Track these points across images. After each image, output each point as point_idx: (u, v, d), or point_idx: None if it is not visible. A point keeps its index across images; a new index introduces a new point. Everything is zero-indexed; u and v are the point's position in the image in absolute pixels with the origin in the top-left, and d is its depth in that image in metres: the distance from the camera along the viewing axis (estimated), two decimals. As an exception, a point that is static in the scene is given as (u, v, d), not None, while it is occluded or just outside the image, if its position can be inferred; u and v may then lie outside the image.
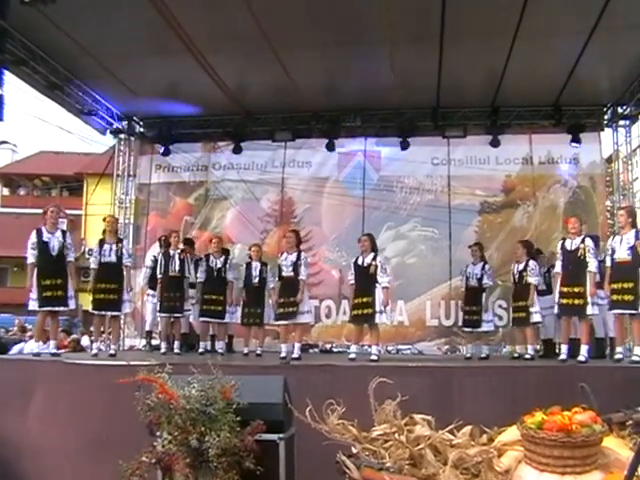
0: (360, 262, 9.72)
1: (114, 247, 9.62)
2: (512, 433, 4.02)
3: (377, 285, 9.49)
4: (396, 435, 3.89)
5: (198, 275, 10.76)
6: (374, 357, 9.23)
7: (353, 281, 9.77)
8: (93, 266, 9.62)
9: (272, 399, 4.94)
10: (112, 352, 9.61)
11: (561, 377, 7.56)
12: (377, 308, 9.37)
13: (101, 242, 9.69)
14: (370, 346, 9.64)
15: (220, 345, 10.80)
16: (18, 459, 7.39)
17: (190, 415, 4.63)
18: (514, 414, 4.16)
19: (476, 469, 3.71)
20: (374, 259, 9.64)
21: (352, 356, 9.36)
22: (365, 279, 9.58)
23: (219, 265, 10.78)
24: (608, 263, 8.75)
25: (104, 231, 9.84)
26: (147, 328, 12.36)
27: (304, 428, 4.25)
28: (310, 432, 4.12)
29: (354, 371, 8.05)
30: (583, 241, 9.01)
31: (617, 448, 3.82)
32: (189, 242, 11.92)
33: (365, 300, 9.46)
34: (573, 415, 3.71)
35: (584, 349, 8.74)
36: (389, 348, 13.32)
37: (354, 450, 3.96)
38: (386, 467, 3.69)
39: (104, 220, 10.01)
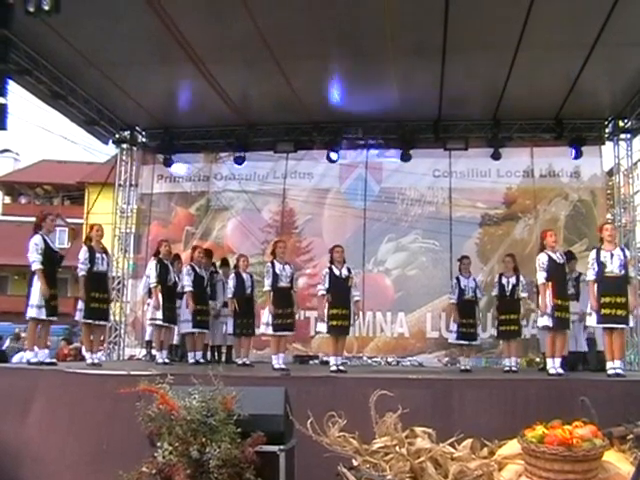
0: (337, 273, 9.63)
1: (105, 257, 9.58)
2: (513, 447, 4.03)
3: (351, 298, 9.54)
4: (397, 448, 3.90)
5: (184, 284, 10.68)
6: (334, 367, 9.26)
7: (324, 292, 9.60)
8: (83, 274, 9.36)
9: (273, 410, 4.93)
10: (96, 361, 9.53)
11: (561, 390, 7.54)
12: (351, 321, 9.46)
13: (90, 250, 9.45)
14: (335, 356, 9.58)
15: (199, 355, 10.81)
16: (17, 468, 7.35)
17: (191, 426, 4.63)
18: (514, 427, 4.17)
19: (477, 482, 3.72)
20: (349, 271, 9.67)
21: (333, 368, 9.26)
22: (343, 291, 9.54)
23: (207, 275, 10.89)
24: (592, 278, 8.77)
25: (89, 239, 9.64)
26: (147, 338, 12.33)
27: (305, 440, 4.26)
28: (311, 444, 4.14)
29: (355, 383, 8.02)
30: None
31: (618, 462, 3.83)
32: (209, 254, 12.00)
33: (343, 312, 9.44)
34: (574, 429, 3.72)
35: (557, 362, 8.81)
36: (389, 360, 13.31)
37: (355, 462, 3.97)
38: (387, 480, 3.69)
39: (91, 229, 9.79)
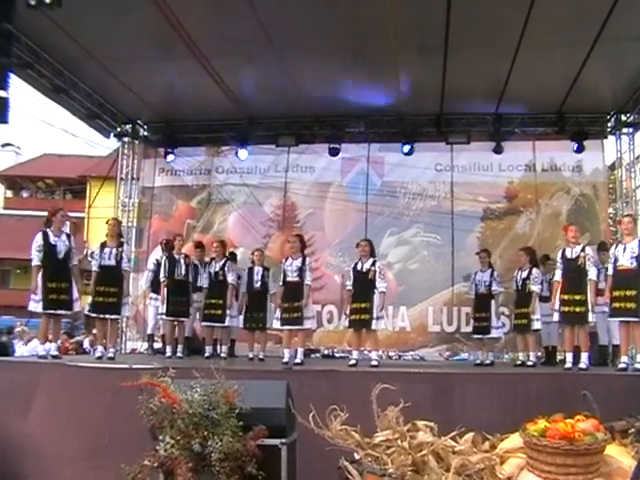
0: (359, 267, 9.65)
1: (114, 251, 9.61)
2: (514, 440, 4.03)
3: (375, 291, 9.48)
4: (399, 441, 3.89)
5: (202, 280, 10.84)
6: (375, 362, 9.26)
7: (350, 287, 9.69)
8: (94, 269, 9.59)
9: (275, 404, 4.93)
10: (111, 355, 9.58)
11: (563, 384, 7.55)
12: (375, 314, 9.35)
13: (102, 245, 9.70)
14: (370, 352, 9.69)
15: (223, 349, 10.84)
16: (19, 462, 7.37)
17: (193, 419, 4.63)
18: (516, 421, 4.16)
19: (478, 476, 3.72)
20: (373, 265, 9.62)
21: (352, 362, 9.31)
22: (364, 284, 9.52)
23: (217, 269, 10.85)
24: (610, 272, 8.77)
25: (106, 234, 9.86)
26: (149, 331, 12.35)
27: (307, 433, 4.26)
28: (312, 437, 4.13)
29: (357, 377, 8.04)
30: (583, 249, 9.12)
31: (619, 456, 3.82)
32: (200, 246, 11.94)
33: (363, 306, 9.41)
34: (576, 423, 3.72)
35: (584, 356, 8.83)
36: (391, 354, 13.32)
37: (357, 456, 3.97)
38: (389, 473, 3.69)
39: (107, 223, 10.03)
